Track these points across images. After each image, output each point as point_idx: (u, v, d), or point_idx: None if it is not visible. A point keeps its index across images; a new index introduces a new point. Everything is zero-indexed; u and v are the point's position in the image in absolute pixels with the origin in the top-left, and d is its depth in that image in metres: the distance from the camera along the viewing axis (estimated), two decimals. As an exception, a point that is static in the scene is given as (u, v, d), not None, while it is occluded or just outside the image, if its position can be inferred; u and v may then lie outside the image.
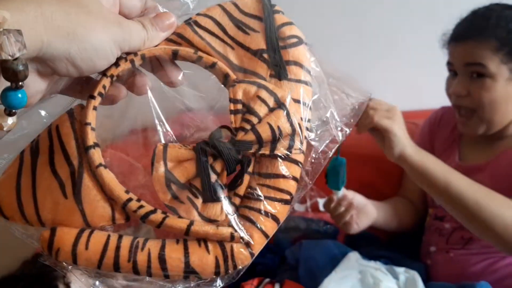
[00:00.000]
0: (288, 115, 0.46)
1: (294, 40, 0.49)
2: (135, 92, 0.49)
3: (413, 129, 1.33)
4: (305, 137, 0.48)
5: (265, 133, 0.46)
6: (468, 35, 1.00)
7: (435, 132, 1.22)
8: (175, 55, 0.48)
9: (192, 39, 0.48)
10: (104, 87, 0.46)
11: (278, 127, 0.46)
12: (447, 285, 1.04)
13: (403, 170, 1.29)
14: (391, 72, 1.53)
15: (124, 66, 0.46)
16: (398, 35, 1.53)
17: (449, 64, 1.06)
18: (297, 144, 0.47)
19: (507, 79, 0.98)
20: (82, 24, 0.40)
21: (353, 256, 1.10)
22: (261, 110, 0.46)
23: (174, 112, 1.73)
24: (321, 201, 1.29)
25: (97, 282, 0.46)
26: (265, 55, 0.48)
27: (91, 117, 0.46)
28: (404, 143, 0.90)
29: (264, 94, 0.47)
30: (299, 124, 0.47)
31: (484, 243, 1.04)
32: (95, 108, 0.46)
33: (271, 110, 0.47)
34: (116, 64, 0.46)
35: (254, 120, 0.46)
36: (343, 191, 1.07)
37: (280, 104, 0.47)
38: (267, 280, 1.12)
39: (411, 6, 1.50)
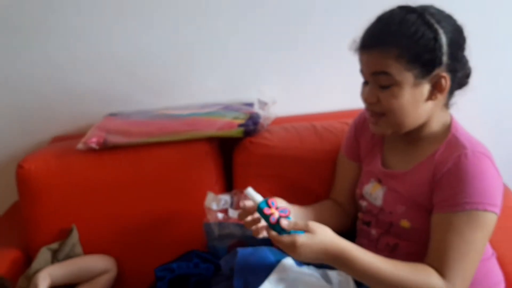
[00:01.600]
0: None
1: None
2: None
3: (345, 130, 1.34)
4: None
5: None
6: (373, 44, 0.99)
7: (360, 134, 1.23)
8: None
9: None
10: None
11: None
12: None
13: (334, 171, 1.30)
14: (326, 76, 1.56)
15: None
16: (324, 41, 1.54)
17: (361, 71, 1.06)
18: None
19: (413, 85, 0.98)
20: None
21: (287, 263, 1.08)
22: None
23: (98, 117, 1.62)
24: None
25: None
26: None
27: None
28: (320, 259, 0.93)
29: None
30: None
31: (409, 251, 1.05)
32: None
33: None
34: None
35: None
36: None
37: None
38: (200, 291, 1.09)
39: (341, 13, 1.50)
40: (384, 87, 0.99)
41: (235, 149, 1.42)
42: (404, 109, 0.99)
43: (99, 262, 1.35)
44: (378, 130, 1.06)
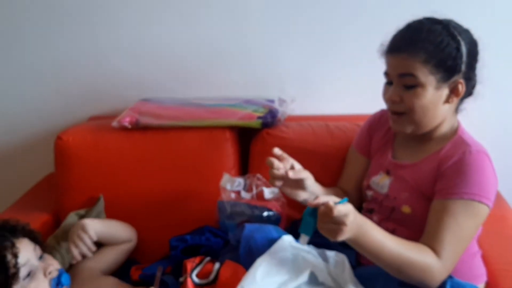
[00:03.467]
0: None
1: None
2: None
3: (356, 130, 1.45)
4: None
5: None
6: (402, 48, 1.11)
7: (374, 130, 1.34)
8: None
9: None
10: None
11: None
12: (375, 268, 1.15)
13: (343, 164, 1.41)
14: (346, 82, 1.68)
15: None
16: (345, 47, 1.66)
17: (386, 73, 1.17)
18: None
19: (435, 88, 1.10)
20: None
21: (287, 239, 1.19)
22: None
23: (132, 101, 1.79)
24: (266, 190, 1.38)
25: None
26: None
27: None
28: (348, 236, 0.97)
29: None
30: None
31: (405, 236, 1.15)
32: None
33: None
34: None
35: None
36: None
37: None
38: (207, 258, 1.22)
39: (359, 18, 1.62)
40: (409, 88, 1.10)
41: (253, 139, 1.55)
42: (425, 108, 1.10)
43: (127, 231, 1.47)
44: (398, 128, 1.17)
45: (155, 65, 1.76)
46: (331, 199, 0.96)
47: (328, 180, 1.44)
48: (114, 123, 1.54)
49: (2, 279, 1.09)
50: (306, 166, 1.47)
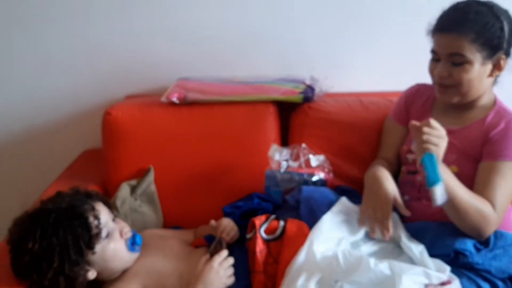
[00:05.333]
0: None
1: None
2: None
3: (389, 105, 1.59)
4: None
5: None
6: (451, 28, 1.23)
7: (412, 102, 1.47)
8: None
9: None
10: None
11: None
12: (422, 223, 1.29)
13: (380, 134, 1.54)
14: (375, 60, 1.81)
15: None
16: (382, 28, 1.78)
17: (433, 51, 1.29)
18: None
19: (481, 64, 1.23)
20: None
21: (345, 201, 1.32)
22: None
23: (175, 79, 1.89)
24: (313, 158, 1.50)
25: None
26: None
27: None
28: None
29: None
30: None
31: None
32: None
33: None
34: None
35: None
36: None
37: None
38: (273, 216, 1.33)
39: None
40: (457, 64, 1.23)
41: (294, 112, 1.67)
42: (472, 82, 1.24)
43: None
44: (445, 99, 1.31)
45: (190, 46, 1.84)
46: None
47: (364, 150, 1.58)
48: (163, 99, 1.62)
49: (87, 239, 1.16)
50: (344, 136, 1.61)
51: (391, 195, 1.23)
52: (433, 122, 1.14)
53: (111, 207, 1.36)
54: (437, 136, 1.13)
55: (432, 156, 1.13)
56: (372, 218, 1.23)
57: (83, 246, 1.15)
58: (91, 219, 1.19)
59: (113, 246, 1.22)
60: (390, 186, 1.26)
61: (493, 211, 1.18)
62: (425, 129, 1.13)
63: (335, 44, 1.81)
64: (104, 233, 1.20)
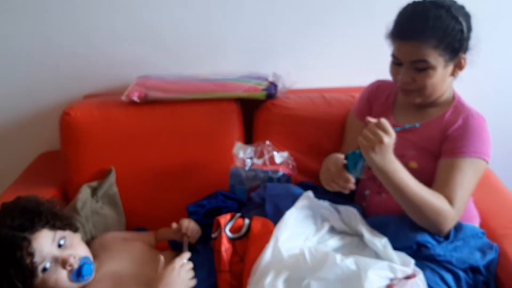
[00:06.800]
0: None
1: None
2: None
3: (352, 101, 1.60)
4: None
5: None
6: (412, 36, 1.22)
7: (373, 98, 1.48)
8: None
9: None
10: None
11: None
12: (384, 217, 1.30)
13: (343, 130, 1.55)
14: (337, 56, 1.81)
15: None
16: (344, 24, 1.78)
17: (394, 56, 1.29)
18: None
19: (443, 66, 1.24)
20: None
21: (309, 195, 1.32)
22: None
23: (134, 78, 1.84)
24: (277, 155, 1.50)
25: None
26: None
27: None
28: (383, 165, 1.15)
29: None
30: None
31: None
32: None
33: None
34: None
35: None
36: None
37: None
38: (238, 214, 1.32)
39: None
40: (420, 70, 1.24)
41: (258, 110, 1.66)
42: (435, 85, 1.26)
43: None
44: (409, 100, 1.32)
45: (150, 44, 1.80)
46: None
47: (328, 145, 1.58)
48: (123, 97, 1.59)
49: (21, 279, 1.09)
50: (308, 132, 1.61)
51: (339, 155, 1.26)
52: (383, 122, 1.14)
53: (65, 223, 1.22)
54: (375, 134, 1.13)
55: (355, 153, 1.18)
56: (328, 176, 1.24)
57: (19, 284, 1.08)
58: (24, 258, 1.08)
59: (55, 278, 1.13)
60: (338, 154, 1.29)
61: (450, 207, 1.19)
62: (370, 126, 1.15)
63: (297, 41, 1.80)
64: (40, 268, 1.11)
